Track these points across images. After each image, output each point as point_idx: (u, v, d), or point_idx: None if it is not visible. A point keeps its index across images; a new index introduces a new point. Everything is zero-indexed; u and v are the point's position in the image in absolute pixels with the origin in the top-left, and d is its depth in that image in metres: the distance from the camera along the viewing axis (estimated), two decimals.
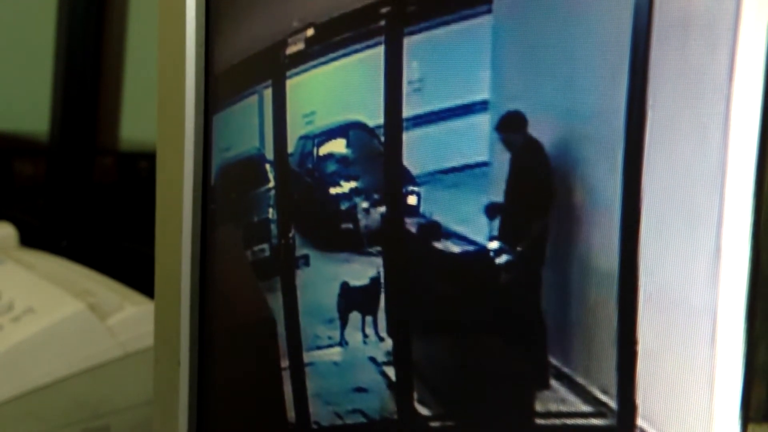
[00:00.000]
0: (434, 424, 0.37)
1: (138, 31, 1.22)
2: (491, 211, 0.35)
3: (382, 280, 0.39)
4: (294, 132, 0.43)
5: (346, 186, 0.41)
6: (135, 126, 1.23)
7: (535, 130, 0.33)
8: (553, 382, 0.32)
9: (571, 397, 0.32)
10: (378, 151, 0.39)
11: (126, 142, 1.25)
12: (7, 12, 1.32)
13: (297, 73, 0.42)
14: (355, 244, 0.40)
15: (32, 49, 1.30)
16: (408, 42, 0.37)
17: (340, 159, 0.41)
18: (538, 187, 0.33)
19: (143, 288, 0.79)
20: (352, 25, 0.39)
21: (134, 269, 0.80)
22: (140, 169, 1.23)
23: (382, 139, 0.39)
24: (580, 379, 0.32)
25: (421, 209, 0.37)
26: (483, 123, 0.35)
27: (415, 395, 0.38)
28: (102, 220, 1.19)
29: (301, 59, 0.42)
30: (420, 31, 0.37)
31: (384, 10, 0.38)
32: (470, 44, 0.35)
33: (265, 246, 0.45)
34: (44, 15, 1.23)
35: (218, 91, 0.47)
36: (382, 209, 0.39)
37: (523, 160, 0.33)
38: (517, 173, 0.34)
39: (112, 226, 1.18)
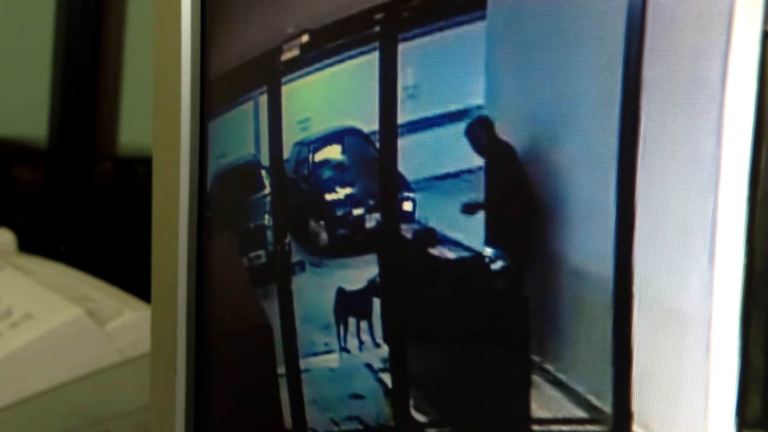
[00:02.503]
0: (430, 430, 0.37)
1: (136, 37, 1.22)
2: (486, 216, 0.35)
3: (378, 287, 0.39)
4: (289, 138, 0.43)
5: (342, 192, 0.41)
6: (133, 131, 1.23)
7: (528, 136, 0.33)
8: (549, 389, 0.32)
9: (567, 404, 0.32)
10: (373, 157, 0.39)
11: (124, 147, 1.25)
12: (5, 18, 1.32)
13: (292, 80, 0.42)
14: (350, 250, 0.40)
15: (30, 54, 1.30)
16: (402, 48, 0.37)
17: (336, 165, 0.41)
18: (532, 195, 0.33)
19: (142, 293, 0.79)
20: (347, 32, 0.39)
21: (133, 274, 0.80)
22: (138, 174, 1.23)
23: (377, 145, 0.39)
24: (575, 386, 0.32)
25: (417, 215, 0.37)
26: None
27: (412, 402, 0.38)
28: (100, 226, 1.19)
29: (296, 65, 0.42)
30: (414, 37, 0.37)
31: (378, 16, 0.38)
32: (465, 50, 0.35)
33: (261, 252, 0.45)
34: (42, 21, 1.23)
35: (214, 97, 0.47)
36: (378, 215, 0.39)
37: (516, 167, 0.33)
38: (511, 180, 0.34)
39: (110, 232, 1.18)
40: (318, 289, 0.42)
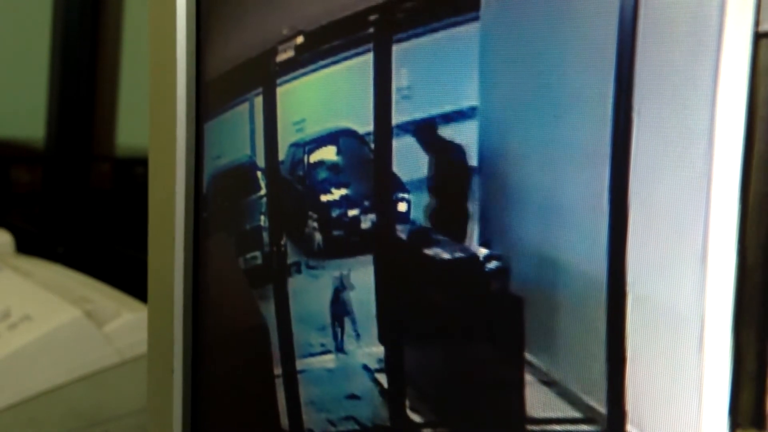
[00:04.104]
0: (426, 431, 0.37)
1: (133, 38, 1.22)
2: (480, 216, 0.35)
3: (374, 287, 0.39)
4: (285, 139, 0.43)
5: (337, 193, 0.41)
6: (131, 132, 1.23)
7: (521, 136, 0.33)
8: (544, 389, 0.32)
9: (562, 404, 0.32)
10: (368, 158, 0.39)
11: (122, 147, 1.25)
12: (2, 20, 1.32)
13: (287, 81, 0.42)
14: (346, 251, 0.40)
15: (28, 56, 1.30)
16: (396, 49, 0.37)
17: (331, 166, 0.41)
18: (526, 194, 0.33)
19: (140, 294, 0.79)
20: (341, 33, 0.39)
21: (131, 275, 0.80)
22: (136, 174, 1.23)
23: (372, 146, 0.39)
24: (570, 386, 0.32)
25: (411, 216, 0.37)
26: (471, 129, 0.35)
27: (408, 402, 0.38)
28: (99, 227, 1.19)
29: (291, 67, 0.42)
30: (408, 38, 0.37)
31: (373, 17, 0.38)
32: (458, 51, 0.35)
33: (258, 253, 0.45)
34: (40, 23, 1.23)
35: (209, 99, 0.47)
36: (373, 216, 0.39)
37: (508, 167, 0.33)
38: (502, 179, 0.34)
39: (108, 232, 1.18)
40: (314, 290, 0.42)
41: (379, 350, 0.39)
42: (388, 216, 0.38)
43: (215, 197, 0.47)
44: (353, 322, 0.40)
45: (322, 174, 0.42)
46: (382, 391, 0.39)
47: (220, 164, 0.47)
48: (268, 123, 0.43)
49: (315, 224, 0.42)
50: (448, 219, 0.36)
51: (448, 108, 0.35)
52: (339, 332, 0.41)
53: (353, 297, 0.40)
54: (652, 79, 0.29)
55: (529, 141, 0.33)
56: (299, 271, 0.43)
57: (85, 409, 0.75)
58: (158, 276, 0.49)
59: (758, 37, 0.26)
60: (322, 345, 0.41)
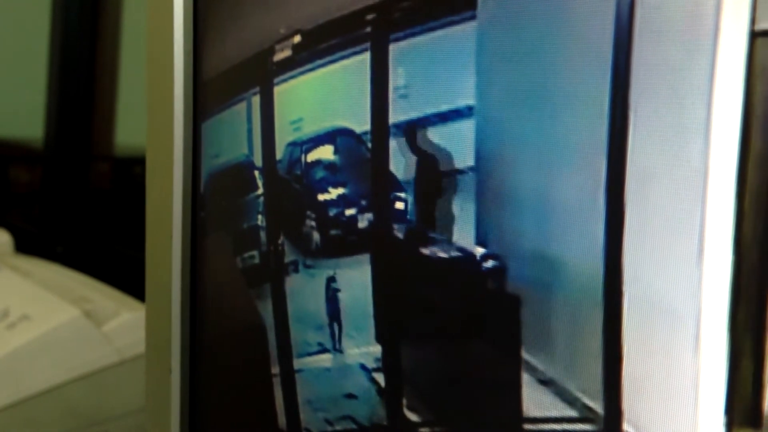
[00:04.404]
0: (423, 430, 0.37)
1: (132, 37, 1.22)
2: (477, 215, 0.35)
3: (371, 286, 0.39)
4: (282, 138, 0.43)
5: (334, 192, 0.41)
6: (130, 131, 1.23)
7: (518, 135, 0.33)
8: (541, 388, 0.32)
9: (559, 403, 0.32)
10: (365, 158, 0.39)
11: (121, 147, 1.25)
12: (2, 20, 1.32)
13: (284, 80, 0.42)
14: (343, 250, 0.40)
15: (27, 56, 1.30)
16: (393, 48, 0.37)
17: (328, 165, 0.41)
18: (523, 193, 0.33)
19: (139, 294, 0.79)
20: (339, 32, 0.39)
21: (130, 275, 0.80)
22: (135, 174, 1.23)
23: (369, 145, 0.39)
24: (567, 385, 0.32)
25: (408, 215, 0.37)
26: (468, 128, 0.35)
27: (405, 401, 0.38)
28: (98, 226, 1.19)
29: (288, 66, 0.42)
30: (405, 37, 0.37)
31: (370, 16, 0.38)
32: (455, 50, 0.35)
33: (255, 253, 0.45)
34: (39, 22, 1.23)
35: (207, 98, 0.47)
36: (370, 215, 0.39)
37: (505, 166, 0.33)
38: (499, 178, 0.34)
39: (107, 232, 1.18)
40: (311, 289, 0.42)
41: (377, 349, 0.39)
42: (386, 215, 0.38)
43: (212, 196, 0.47)
44: (350, 321, 0.40)
45: (320, 173, 0.42)
46: (380, 390, 0.39)
47: (217, 163, 0.47)
48: (265, 122, 0.43)
49: (312, 223, 0.42)
50: (444, 218, 0.36)
51: (445, 107, 0.35)
52: (336, 331, 0.41)
53: (350, 296, 0.40)
54: (649, 78, 0.29)
55: (526, 139, 0.33)
56: (296, 271, 0.43)
57: (84, 408, 0.75)
58: (156, 275, 0.49)
59: (754, 35, 0.26)
60: (320, 344, 0.41)
